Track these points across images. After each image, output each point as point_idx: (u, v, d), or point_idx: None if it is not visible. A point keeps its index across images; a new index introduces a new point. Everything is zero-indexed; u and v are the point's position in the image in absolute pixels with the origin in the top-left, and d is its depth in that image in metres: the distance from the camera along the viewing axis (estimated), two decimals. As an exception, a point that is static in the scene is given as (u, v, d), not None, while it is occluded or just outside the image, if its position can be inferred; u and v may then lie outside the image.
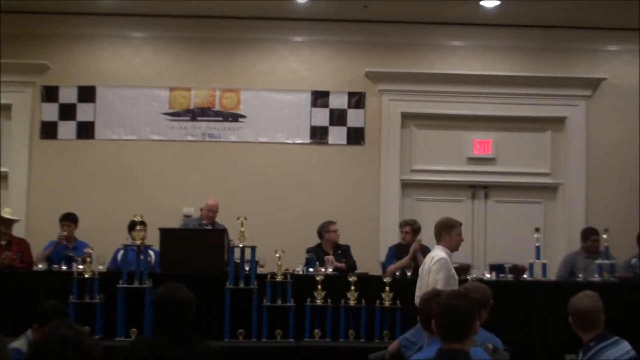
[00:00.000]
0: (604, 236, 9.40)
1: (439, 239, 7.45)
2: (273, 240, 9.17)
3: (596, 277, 9.11)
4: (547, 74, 11.62)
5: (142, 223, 8.57)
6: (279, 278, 8.35)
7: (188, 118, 11.42)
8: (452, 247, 7.49)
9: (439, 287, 6.86)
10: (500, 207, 11.75)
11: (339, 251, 9.69)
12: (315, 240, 9.81)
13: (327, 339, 8.32)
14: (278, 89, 11.48)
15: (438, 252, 7.33)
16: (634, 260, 9.96)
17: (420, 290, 7.36)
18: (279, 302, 8.31)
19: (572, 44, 11.71)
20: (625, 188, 11.50)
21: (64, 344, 2.77)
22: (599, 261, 9.33)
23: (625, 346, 5.26)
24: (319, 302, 8.36)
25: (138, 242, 8.42)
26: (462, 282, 7.48)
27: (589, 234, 10.00)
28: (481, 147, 11.71)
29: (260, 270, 8.66)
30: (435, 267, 7.14)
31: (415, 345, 5.53)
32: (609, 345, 5.17)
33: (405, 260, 9.26)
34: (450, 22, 11.48)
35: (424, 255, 9.44)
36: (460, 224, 7.63)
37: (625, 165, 11.58)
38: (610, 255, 9.40)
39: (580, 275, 9.38)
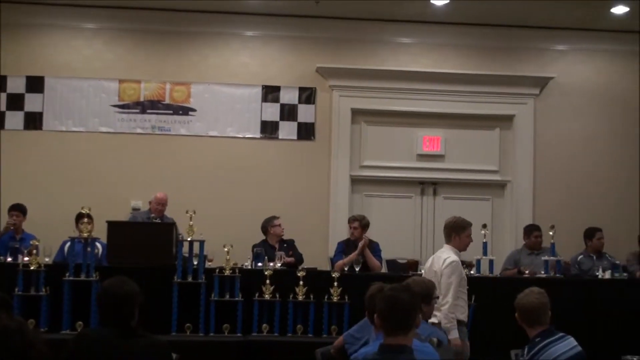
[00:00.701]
0: (550, 233, 9.50)
1: (448, 238, 7.47)
2: (222, 234, 9.15)
3: (542, 274, 9.22)
4: (496, 72, 11.73)
5: (89, 216, 8.48)
6: (227, 272, 8.32)
7: (138, 111, 11.34)
8: (461, 248, 7.51)
9: (452, 289, 7.03)
10: (448, 203, 11.83)
11: (284, 245, 9.69)
12: (263, 236, 9.82)
13: (275, 333, 8.32)
14: (229, 83, 11.45)
15: (450, 254, 7.32)
16: (580, 257, 10.12)
17: None
18: (227, 297, 8.29)
19: (520, 42, 11.84)
20: (571, 186, 11.67)
21: (7, 335, 2.75)
22: (545, 257, 9.44)
23: (571, 342, 5.33)
24: (267, 296, 8.35)
25: (85, 235, 8.32)
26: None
27: (532, 230, 10.15)
28: (430, 144, 11.79)
29: (208, 265, 8.63)
30: (448, 270, 7.14)
31: (359, 341, 5.55)
32: (554, 341, 5.23)
33: (353, 255, 9.29)
34: (401, 19, 11.55)
35: (372, 251, 9.55)
36: (471, 225, 7.60)
37: (572, 163, 11.75)
38: (557, 252, 9.52)
39: (526, 272, 9.48)
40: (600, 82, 11.95)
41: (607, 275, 9.34)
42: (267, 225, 9.80)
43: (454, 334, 7.05)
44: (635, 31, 11.70)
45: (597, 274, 9.45)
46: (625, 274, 9.53)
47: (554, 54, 11.99)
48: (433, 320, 7.16)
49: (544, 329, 5.27)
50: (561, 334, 5.32)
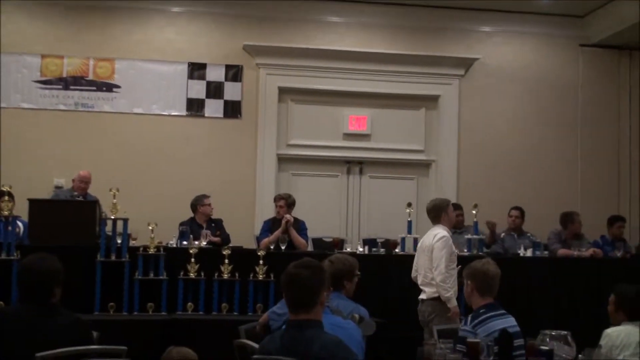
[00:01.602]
0: (473, 212, 9.65)
1: (438, 219, 7.79)
2: (146, 212, 9.08)
3: (465, 252, 9.34)
4: (422, 53, 11.82)
5: (10, 194, 8.30)
6: (151, 251, 8.24)
7: (60, 87, 11.13)
8: (450, 224, 7.96)
9: (443, 263, 7.43)
10: (374, 182, 11.92)
11: (212, 225, 9.64)
12: (189, 214, 9.75)
13: (200, 312, 8.27)
14: (154, 60, 11.31)
15: (440, 231, 7.68)
16: (502, 235, 10.29)
17: (417, 264, 7.79)
18: (152, 275, 8.21)
19: (446, 23, 11.94)
20: (494, 165, 11.84)
21: None
22: (468, 236, 9.58)
23: (511, 321, 5.37)
24: (192, 275, 8.30)
25: (5, 213, 8.15)
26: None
27: (454, 209, 10.24)
28: (357, 123, 11.84)
29: (132, 243, 8.52)
30: (439, 244, 7.52)
31: (282, 318, 5.56)
32: (497, 316, 5.29)
33: (278, 233, 9.32)
34: (328, -2, 11.57)
35: (298, 230, 9.57)
36: (450, 202, 8.07)
37: (495, 143, 11.92)
38: (480, 231, 9.66)
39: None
40: (524, 64, 12.13)
41: (529, 253, 9.51)
42: (197, 204, 9.74)
43: (453, 302, 7.44)
44: (558, 14, 11.92)
45: (519, 252, 9.62)
46: (546, 252, 9.73)
47: (479, 36, 12.11)
48: (422, 296, 7.60)
49: (490, 302, 5.34)
50: (503, 311, 5.38)
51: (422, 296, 7.68)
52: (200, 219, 9.67)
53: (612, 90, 12.28)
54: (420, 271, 7.74)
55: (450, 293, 7.43)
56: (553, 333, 4.63)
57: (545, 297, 9.09)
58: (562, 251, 9.84)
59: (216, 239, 9.24)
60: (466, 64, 11.96)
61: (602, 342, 5.21)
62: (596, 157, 12.08)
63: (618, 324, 5.43)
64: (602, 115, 12.19)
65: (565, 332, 4.65)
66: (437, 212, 7.82)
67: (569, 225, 10.21)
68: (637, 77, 12.24)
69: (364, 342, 4.85)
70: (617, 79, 12.31)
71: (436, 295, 7.53)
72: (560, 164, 12.01)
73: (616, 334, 5.30)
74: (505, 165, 11.86)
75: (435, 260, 7.50)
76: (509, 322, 5.28)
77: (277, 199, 9.90)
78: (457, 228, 10.09)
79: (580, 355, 4.46)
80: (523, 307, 8.84)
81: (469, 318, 5.26)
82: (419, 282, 7.75)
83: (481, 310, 5.26)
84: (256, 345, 4.71)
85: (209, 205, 9.73)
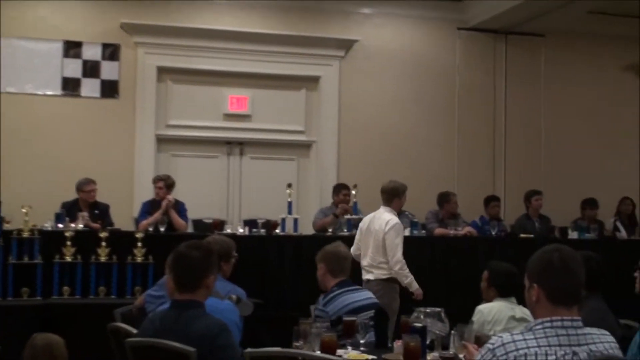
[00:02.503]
0: (353, 192, 9.76)
1: (389, 202, 7.97)
2: (21, 195, 8.85)
3: (345, 232, 9.43)
4: (302, 33, 11.82)
5: None
6: (25, 234, 8.05)
7: None
8: (399, 209, 8.18)
9: (399, 251, 7.66)
10: (255, 163, 11.89)
11: (97, 211, 9.44)
12: (69, 196, 9.53)
13: (76, 296, 8.14)
14: (27, 37, 10.94)
15: (390, 216, 7.84)
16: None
17: (360, 244, 7.95)
18: (26, 259, 8.02)
19: (327, 5, 11.97)
20: (374, 146, 11.96)
21: None
22: (348, 216, 9.67)
23: (366, 293, 5.53)
24: (68, 258, 8.15)
25: None
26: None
27: (340, 189, 10.34)
28: (237, 104, 11.77)
29: (6, 227, 8.30)
30: (392, 233, 7.71)
31: (159, 300, 5.54)
32: (350, 290, 5.40)
33: (157, 215, 9.22)
34: (207, -24, 11.45)
35: (178, 211, 9.48)
36: (407, 187, 8.23)
37: (375, 125, 12.04)
38: (359, 210, 9.77)
39: (330, 230, 9.67)
40: (403, 47, 12.28)
41: (407, 232, 9.66)
42: (79, 188, 9.52)
43: (415, 285, 7.72)
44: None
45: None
46: (423, 231, 9.93)
47: (358, 17, 12.20)
48: (369, 277, 7.73)
49: (343, 280, 5.44)
50: (358, 287, 5.51)
51: (369, 277, 7.82)
52: (82, 203, 9.47)
53: (489, 73, 12.57)
54: (367, 253, 7.88)
55: (410, 278, 7.71)
56: (427, 310, 4.73)
57: (421, 275, 9.23)
58: (438, 230, 10.06)
59: (95, 226, 8.99)
60: (346, 45, 12.04)
61: (474, 318, 5.36)
62: (473, 139, 12.36)
63: (490, 300, 5.60)
64: (478, 97, 12.47)
65: (439, 309, 4.76)
66: (390, 195, 8.00)
67: (445, 205, 10.45)
68: (513, 60, 12.57)
69: (242, 323, 4.87)
70: (493, 62, 12.60)
71: (383, 277, 7.75)
72: (438, 145, 12.24)
73: (488, 310, 5.45)
74: (385, 146, 12.01)
75: (391, 249, 7.68)
76: (365, 295, 5.43)
77: (156, 180, 9.78)
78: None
79: (452, 331, 4.57)
80: (400, 285, 9.02)
81: (321, 297, 5.38)
82: (365, 263, 7.90)
83: (334, 288, 5.40)
84: (131, 329, 4.65)
85: (90, 192, 9.49)
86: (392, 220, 7.79)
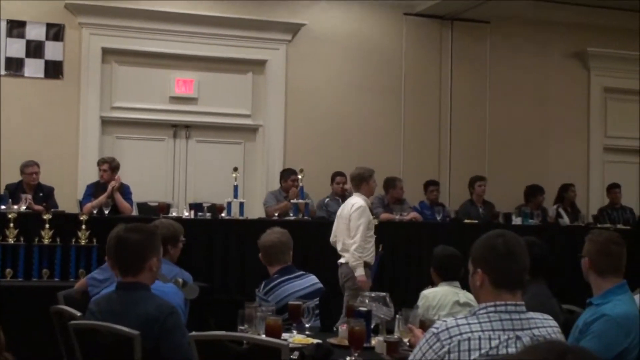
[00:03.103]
0: (299, 177, 9.77)
1: (358, 188, 8.20)
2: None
3: (291, 216, 9.45)
4: (249, 17, 11.74)
5: None
6: (-34, 216, 7.94)
7: None
8: (369, 194, 8.37)
9: (360, 231, 7.84)
10: (201, 147, 11.83)
11: (41, 193, 9.32)
12: (13, 178, 9.40)
13: (19, 278, 8.02)
14: (-31, 16, 10.75)
15: (357, 200, 8.07)
16: (327, 200, 10.46)
17: (336, 230, 8.14)
18: (-33, 242, 7.91)
19: (274, -12, 11.93)
20: (320, 131, 11.97)
21: None
22: (294, 200, 9.68)
23: (311, 279, 5.54)
24: (10, 240, 8.04)
25: None
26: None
27: (289, 174, 10.34)
28: (183, 87, 11.68)
29: (-54, 209, 8.19)
30: (356, 214, 7.91)
31: (103, 284, 5.50)
32: (293, 278, 5.41)
33: (102, 198, 9.15)
34: (154, -43, 11.32)
35: (123, 194, 9.42)
36: (374, 172, 8.39)
37: (321, 109, 12.03)
38: (305, 194, 9.79)
39: (276, 215, 9.68)
40: (350, 31, 12.27)
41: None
42: (21, 170, 9.40)
43: (360, 272, 7.82)
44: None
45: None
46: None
47: (305, 1, 12.15)
48: (341, 260, 7.97)
49: (283, 267, 5.45)
50: (301, 272, 5.52)
51: (342, 260, 8.03)
52: (26, 185, 9.35)
53: (435, 59, 12.63)
54: (339, 238, 8.10)
55: (358, 262, 7.85)
56: (372, 295, 4.77)
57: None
58: (384, 215, 10.12)
59: (38, 208, 8.85)
60: (293, 29, 12.01)
61: (419, 302, 5.41)
62: (418, 125, 12.43)
63: (436, 284, 5.66)
64: (424, 83, 12.53)
65: (384, 294, 4.79)
66: (357, 182, 8.22)
67: (390, 190, 10.53)
68: (459, 47, 12.66)
69: (187, 306, 4.87)
70: (439, 48, 12.66)
71: None
72: (384, 131, 12.28)
73: (432, 295, 5.51)
74: (331, 131, 12.01)
75: (352, 229, 7.90)
76: (310, 281, 5.47)
77: (100, 162, 9.70)
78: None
79: (397, 316, 4.60)
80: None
81: (263, 284, 5.40)
82: (338, 248, 8.12)
83: (275, 276, 5.42)
84: (75, 312, 4.61)
85: (32, 174, 9.39)
86: (357, 204, 8.01)
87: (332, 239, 8.22)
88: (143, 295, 4.05)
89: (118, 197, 9.29)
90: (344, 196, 10.45)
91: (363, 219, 7.91)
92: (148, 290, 4.09)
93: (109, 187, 9.25)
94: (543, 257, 5.07)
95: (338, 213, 8.33)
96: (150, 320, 3.92)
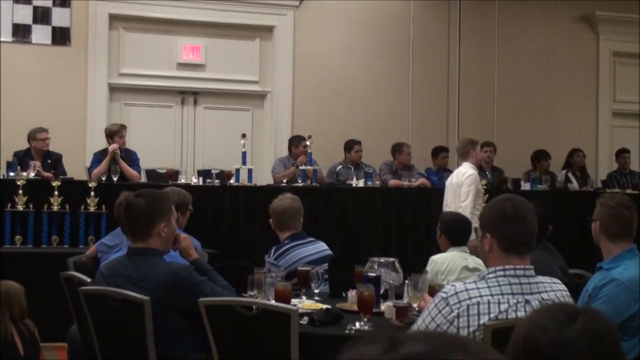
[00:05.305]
0: (308, 143, 9.74)
1: (465, 156, 8.58)
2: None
3: (300, 183, 9.44)
4: (257, -18, 11.70)
5: None
6: (-25, 183, 7.96)
7: None
8: (477, 163, 8.83)
9: (470, 198, 8.21)
10: (209, 113, 11.81)
11: (49, 160, 9.33)
12: (20, 145, 9.41)
13: (29, 245, 8.07)
14: (-25, -17, 10.72)
15: (468, 169, 8.45)
16: (339, 168, 10.45)
17: (447, 199, 8.54)
18: (-23, 208, 7.94)
19: (282, -47, 11.85)
20: (328, 97, 11.93)
21: None
22: (303, 167, 9.67)
23: (321, 246, 5.55)
24: (20, 207, 8.07)
25: None
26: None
27: (300, 141, 10.27)
28: (191, 53, 11.64)
29: (-44, 176, 8.22)
30: (468, 180, 8.31)
31: (113, 249, 5.52)
32: (303, 244, 5.42)
33: (104, 163, 9.11)
34: None
35: (130, 161, 9.42)
36: (478, 142, 8.88)
37: (329, 75, 11.99)
38: (314, 161, 9.78)
39: (284, 181, 9.67)
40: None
41: (361, 183, 9.70)
42: (30, 137, 9.40)
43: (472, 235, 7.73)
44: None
45: (351, 182, 9.79)
46: (377, 183, 9.96)
47: (313, -34, 12.08)
48: None
49: (293, 233, 5.45)
50: (311, 239, 5.52)
51: None
52: (35, 152, 9.35)
53: (443, 24, 12.54)
54: (450, 206, 8.40)
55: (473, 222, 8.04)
56: (381, 260, 4.77)
57: (376, 226, 9.32)
58: (392, 181, 10.11)
59: (47, 175, 8.87)
60: (301, -6, 11.95)
61: (428, 268, 5.42)
62: (426, 91, 12.37)
63: (445, 250, 5.66)
64: (432, 49, 12.45)
65: (393, 259, 4.79)
66: (464, 149, 8.59)
67: (398, 155, 10.51)
68: (467, 11, 12.56)
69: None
70: (447, 13, 12.56)
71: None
72: (393, 97, 12.23)
73: (441, 260, 5.51)
74: (340, 97, 11.98)
75: (463, 195, 8.28)
76: (319, 248, 5.46)
77: (121, 130, 9.65)
78: (294, 159, 10.13)
79: (406, 281, 4.61)
80: (355, 235, 9.09)
81: (273, 250, 5.40)
82: None
83: (285, 241, 5.42)
84: (85, 278, 4.63)
85: (43, 140, 9.38)
86: (468, 172, 8.42)
87: (444, 208, 8.44)
88: (156, 261, 4.07)
89: (123, 164, 9.23)
90: (357, 164, 10.45)
91: (473, 186, 8.29)
92: (160, 256, 4.11)
93: (110, 153, 9.21)
94: (544, 222, 5.02)
95: (448, 182, 8.68)
96: (173, 284, 3.97)
